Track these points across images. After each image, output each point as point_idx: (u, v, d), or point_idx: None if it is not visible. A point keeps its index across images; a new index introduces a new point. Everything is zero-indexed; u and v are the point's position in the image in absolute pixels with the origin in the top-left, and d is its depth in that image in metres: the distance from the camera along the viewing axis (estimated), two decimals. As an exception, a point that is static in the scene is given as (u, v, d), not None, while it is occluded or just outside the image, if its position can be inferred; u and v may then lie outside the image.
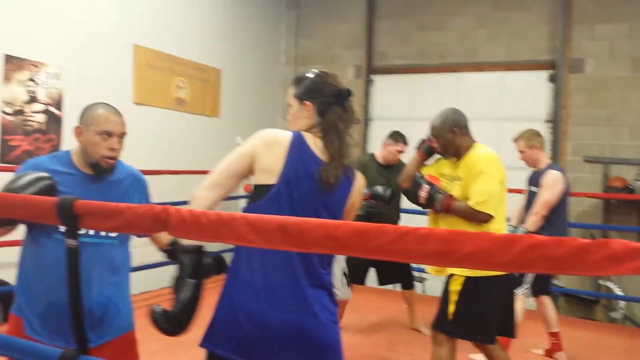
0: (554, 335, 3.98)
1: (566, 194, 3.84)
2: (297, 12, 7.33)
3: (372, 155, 4.38)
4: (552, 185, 3.74)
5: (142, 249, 4.82)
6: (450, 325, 2.65)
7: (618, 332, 4.95)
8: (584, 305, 5.81)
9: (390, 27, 6.87)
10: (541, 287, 3.91)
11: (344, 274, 3.53)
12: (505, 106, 6.20)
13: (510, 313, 2.79)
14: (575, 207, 5.92)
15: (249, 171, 1.64)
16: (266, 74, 7.06)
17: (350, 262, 4.16)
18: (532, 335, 4.01)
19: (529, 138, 3.87)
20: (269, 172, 1.61)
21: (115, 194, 1.94)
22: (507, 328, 2.81)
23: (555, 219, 3.77)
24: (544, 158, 3.92)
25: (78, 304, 1.34)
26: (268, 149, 1.62)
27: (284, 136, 1.66)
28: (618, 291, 5.49)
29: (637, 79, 5.71)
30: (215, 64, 6.18)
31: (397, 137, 4.26)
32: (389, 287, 4.75)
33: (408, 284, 4.44)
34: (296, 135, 1.67)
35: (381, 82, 6.94)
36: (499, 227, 2.65)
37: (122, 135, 1.94)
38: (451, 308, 2.62)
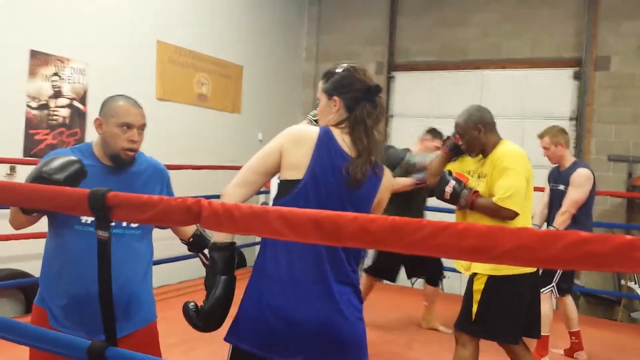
0: (574, 334, 3.94)
1: (594, 192, 3.79)
2: (318, 8, 7.32)
3: (407, 150, 4.40)
4: (583, 183, 3.70)
5: (162, 242, 4.87)
6: (473, 325, 2.62)
7: (639, 333, 4.87)
8: (605, 305, 5.73)
9: (412, 23, 6.82)
10: (568, 285, 3.87)
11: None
12: (528, 104, 6.12)
13: (535, 313, 2.76)
14: (598, 206, 5.83)
15: (278, 168, 1.64)
16: (287, 70, 7.06)
17: (381, 258, 4.16)
18: (552, 334, 3.96)
19: (555, 135, 3.82)
20: (297, 167, 1.60)
21: (137, 185, 1.95)
22: (532, 328, 2.77)
23: (583, 217, 3.72)
24: (569, 155, 3.87)
25: (109, 296, 1.34)
26: (296, 145, 1.61)
27: (312, 131, 1.64)
28: (639, 291, 5.41)
29: (663, 77, 5.60)
30: (236, 60, 6.19)
31: (436, 133, 4.34)
32: (408, 284, 4.73)
33: (434, 281, 4.41)
34: (324, 130, 1.65)
35: (402, 79, 6.90)
36: (524, 225, 2.61)
37: (142, 127, 1.94)
38: (474, 308, 2.59)
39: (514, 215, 2.54)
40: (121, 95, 1.98)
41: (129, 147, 1.90)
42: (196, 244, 2.09)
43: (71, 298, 1.84)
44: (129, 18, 4.93)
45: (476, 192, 2.65)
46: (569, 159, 3.85)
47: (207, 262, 2.01)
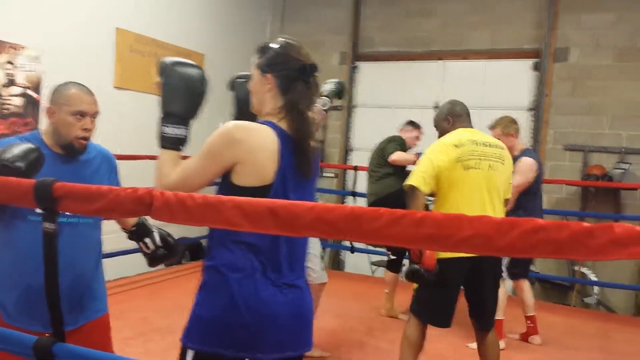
0: (530, 318, 4.06)
1: (539, 180, 3.90)
2: (282, -4, 7.23)
3: (402, 140, 4.56)
4: (526, 171, 3.82)
5: (119, 234, 4.76)
6: (413, 302, 2.81)
7: (592, 317, 5.04)
8: (559, 291, 5.89)
9: (377, 13, 6.82)
10: (519, 270, 3.96)
11: (321, 257, 3.53)
12: (489, 94, 6.20)
13: (487, 303, 2.84)
14: (554, 195, 5.99)
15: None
16: (250, 59, 6.95)
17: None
18: (508, 320, 4.05)
19: (506, 126, 3.93)
20: (261, 173, 1.48)
21: (87, 173, 1.92)
22: (486, 319, 2.86)
23: (529, 204, 3.82)
24: (519, 145, 3.97)
25: (55, 291, 1.29)
26: (259, 151, 1.49)
27: (266, 132, 1.52)
28: (592, 277, 5.59)
29: (619, 69, 5.75)
30: (198, 48, 6.07)
31: (415, 124, 4.64)
32: (368, 272, 4.78)
33: (395, 267, 4.48)
34: (279, 130, 1.55)
35: (366, 69, 6.90)
36: (465, 207, 2.66)
37: (95, 115, 1.91)
38: (414, 285, 2.77)
39: (412, 189, 2.67)
40: (73, 82, 1.92)
41: (82, 135, 1.87)
42: (138, 233, 2.03)
43: (25, 291, 1.78)
44: (87, 5, 4.76)
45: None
46: (519, 147, 3.94)
47: (147, 252, 1.97)
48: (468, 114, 2.93)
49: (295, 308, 1.55)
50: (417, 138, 4.60)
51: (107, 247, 5.01)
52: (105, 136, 4.78)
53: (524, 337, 4.10)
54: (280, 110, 1.57)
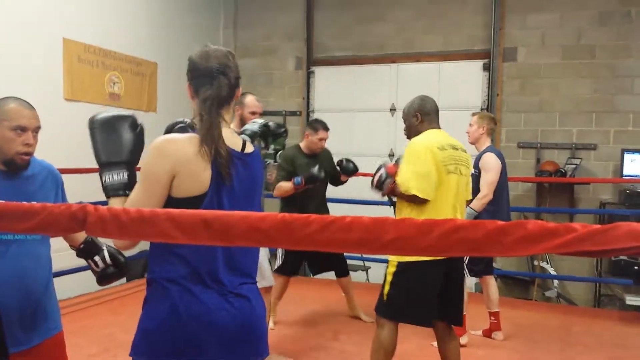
0: (493, 314, 4.13)
1: (504, 177, 4.00)
2: (235, 2, 7.22)
3: (297, 146, 4.37)
4: (490, 167, 3.92)
5: (74, 252, 4.66)
6: (385, 306, 2.77)
7: (552, 310, 5.17)
8: (520, 286, 6.04)
9: (330, 18, 6.87)
10: (479, 268, 4.04)
11: (269, 261, 3.53)
12: (442, 95, 6.29)
13: (454, 300, 2.88)
14: (510, 192, 6.12)
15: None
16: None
17: (289, 256, 4.19)
18: (471, 317, 4.13)
19: (481, 117, 4.08)
20: (195, 183, 1.50)
21: (31, 189, 1.88)
22: (454, 316, 2.91)
23: (496, 200, 3.91)
24: (485, 142, 4.04)
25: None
26: (191, 162, 1.50)
27: (195, 141, 1.53)
28: (551, 271, 5.74)
29: (566, 67, 5.95)
30: (150, 57, 6.00)
31: (316, 125, 4.31)
32: (333, 277, 4.78)
33: (342, 272, 4.48)
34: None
35: (322, 74, 6.94)
36: (443, 210, 2.71)
37: (36, 129, 1.87)
38: (386, 290, 2.75)
39: (417, 199, 2.66)
40: (11, 97, 1.89)
41: (24, 150, 1.83)
42: (86, 250, 1.99)
43: None
44: (32, 15, 4.66)
45: (395, 181, 2.77)
46: (483, 144, 4.03)
47: (97, 270, 1.95)
48: (437, 113, 2.95)
49: (242, 317, 1.55)
50: (321, 140, 4.25)
51: (67, 264, 4.90)
52: (57, 149, 4.67)
53: (487, 333, 4.17)
54: (197, 115, 1.59)
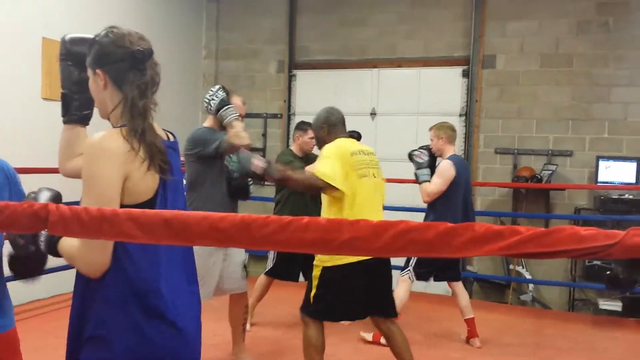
0: (468, 322, 4.15)
1: (456, 183, 4.01)
2: (217, 5, 7.21)
3: (290, 151, 4.41)
4: (441, 173, 3.99)
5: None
6: (311, 306, 2.92)
7: (527, 314, 5.25)
8: (496, 290, 6.11)
9: (312, 22, 6.90)
10: (425, 270, 4.06)
11: (244, 266, 3.51)
12: (422, 101, 6.38)
13: (383, 294, 3.05)
14: (487, 197, 6.21)
15: None
16: (186, 69, 6.89)
17: (281, 261, 4.19)
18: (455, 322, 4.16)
19: (438, 128, 4.12)
20: (145, 187, 1.43)
21: None
22: (385, 308, 3.07)
23: (441, 207, 3.99)
24: (449, 150, 4.09)
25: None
26: (138, 159, 1.41)
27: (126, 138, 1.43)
28: (527, 275, 5.81)
29: (544, 74, 6.04)
30: (131, 57, 5.97)
31: (304, 125, 4.42)
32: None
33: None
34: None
35: (303, 77, 6.96)
36: (365, 212, 2.81)
37: None
38: (313, 292, 2.89)
39: (329, 186, 2.78)
40: None
41: None
42: None
43: None
44: (11, 15, 4.61)
45: (290, 168, 3.02)
46: (447, 153, 4.07)
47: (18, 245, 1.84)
48: (344, 123, 3.13)
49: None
50: (312, 138, 4.26)
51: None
52: (35, 148, 4.61)
53: (467, 340, 4.19)
54: (119, 107, 1.47)
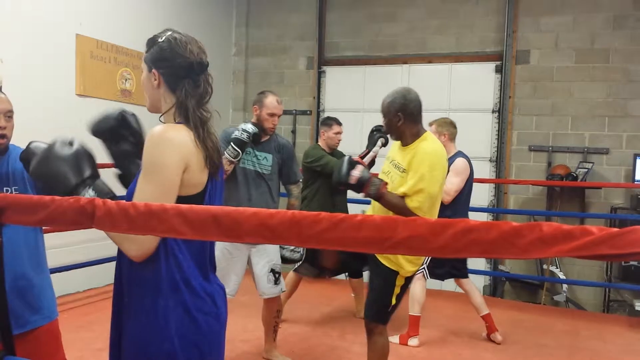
0: (485, 318, 4.09)
1: (471, 181, 4.01)
2: (247, 2, 7.22)
3: (319, 146, 4.41)
4: (462, 171, 3.92)
5: (87, 245, 4.69)
6: (387, 315, 2.76)
7: (561, 315, 5.13)
8: (529, 290, 5.99)
9: (342, 18, 6.86)
10: (444, 270, 4.00)
11: (273, 270, 3.41)
12: (453, 97, 6.29)
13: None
14: (520, 195, 6.10)
15: None
16: (216, 65, 6.88)
17: (310, 258, 4.16)
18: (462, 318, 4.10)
19: (441, 125, 4.03)
20: (198, 181, 1.45)
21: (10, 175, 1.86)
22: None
23: (458, 205, 3.92)
24: (452, 147, 4.03)
25: (4, 303, 1.26)
26: (196, 154, 1.44)
27: (190, 134, 1.46)
28: (561, 275, 5.69)
29: (579, 70, 5.89)
30: (162, 54, 6.01)
31: (329, 121, 4.45)
32: (341, 277, 4.78)
33: (356, 273, 4.48)
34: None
35: (333, 74, 6.93)
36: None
37: (7, 113, 1.88)
38: (393, 301, 2.72)
39: (408, 213, 2.55)
40: None
41: None
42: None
43: None
44: (45, 11, 4.68)
45: (386, 184, 2.63)
46: (450, 151, 3.96)
47: None
48: (421, 111, 2.73)
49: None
50: (338, 133, 4.40)
51: (75, 258, 4.91)
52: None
53: (488, 337, 4.15)
54: (173, 109, 1.50)
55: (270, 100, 3.32)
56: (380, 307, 2.74)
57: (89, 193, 1.38)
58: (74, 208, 1.03)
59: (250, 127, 3.18)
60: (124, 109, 1.65)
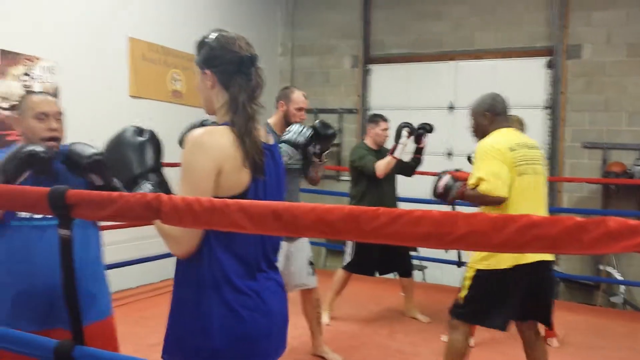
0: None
1: None
2: (292, 1, 7.28)
3: (364, 144, 4.39)
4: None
5: (142, 242, 4.83)
6: (460, 309, 2.73)
7: (618, 317, 4.96)
8: (584, 291, 5.81)
9: (386, 16, 6.83)
10: None
11: (310, 262, 3.44)
12: (503, 93, 6.15)
13: (541, 303, 2.78)
14: (574, 193, 5.93)
15: None
16: (263, 66, 6.98)
17: (359, 255, 4.16)
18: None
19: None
20: (236, 182, 1.46)
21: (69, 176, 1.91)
22: (540, 315, 2.82)
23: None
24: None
25: (74, 295, 1.33)
26: (233, 156, 1.45)
27: (228, 134, 1.48)
28: (618, 276, 5.50)
29: (633, 65, 5.68)
30: (211, 55, 6.13)
31: (375, 118, 4.40)
32: (389, 275, 4.76)
33: (406, 272, 4.45)
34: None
35: (378, 72, 6.91)
36: (526, 209, 2.52)
37: (57, 115, 1.96)
38: (463, 293, 2.70)
39: (498, 199, 2.54)
40: (32, 91, 2.03)
41: (49, 135, 1.92)
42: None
43: (18, 294, 1.83)
44: (99, 14, 4.85)
45: (465, 184, 2.69)
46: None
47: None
48: (507, 113, 2.83)
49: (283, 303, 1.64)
50: (385, 129, 4.32)
51: (129, 255, 5.06)
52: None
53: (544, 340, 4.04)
54: (225, 106, 1.53)
55: (297, 94, 3.31)
56: (455, 300, 2.79)
57: (146, 186, 1.43)
58: (141, 203, 1.08)
59: (305, 129, 3.06)
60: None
